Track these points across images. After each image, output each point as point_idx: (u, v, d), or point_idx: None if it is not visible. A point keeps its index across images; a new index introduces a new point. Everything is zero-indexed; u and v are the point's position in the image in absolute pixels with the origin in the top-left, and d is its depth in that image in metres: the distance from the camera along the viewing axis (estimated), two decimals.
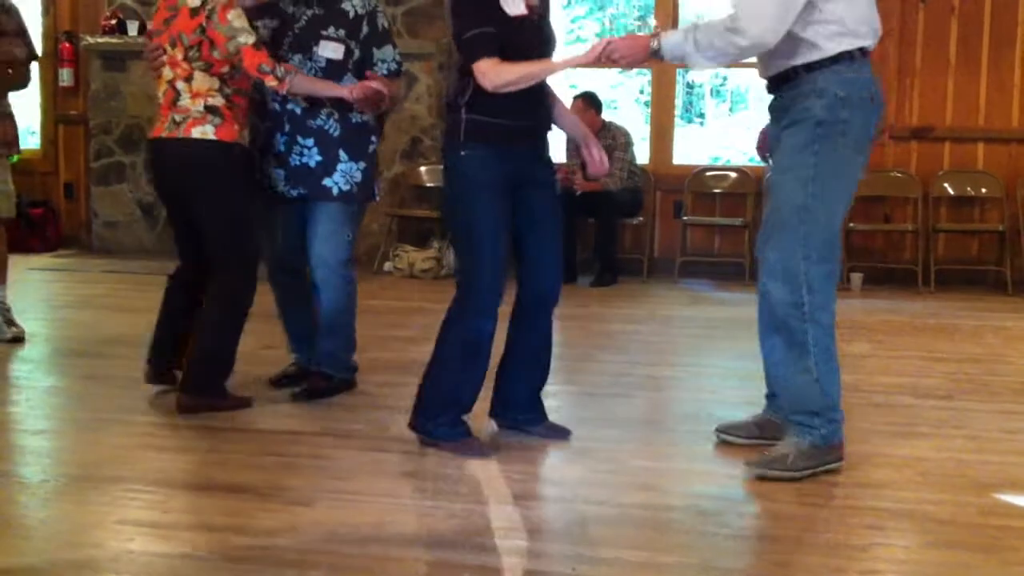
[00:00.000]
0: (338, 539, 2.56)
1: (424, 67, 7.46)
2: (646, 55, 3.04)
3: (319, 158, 3.78)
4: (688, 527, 2.73)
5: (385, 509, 2.78)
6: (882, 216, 7.49)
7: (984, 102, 7.25)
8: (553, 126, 3.34)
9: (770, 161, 3.29)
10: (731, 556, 2.56)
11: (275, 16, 3.82)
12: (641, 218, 7.49)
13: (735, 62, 3.10)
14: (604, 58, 3.02)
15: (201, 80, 3.63)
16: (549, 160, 3.35)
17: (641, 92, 14.50)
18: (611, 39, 3.07)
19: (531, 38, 3.15)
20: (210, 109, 3.62)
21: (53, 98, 8.70)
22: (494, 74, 3.03)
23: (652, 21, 3.66)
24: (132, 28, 8.18)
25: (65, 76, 8.57)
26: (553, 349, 3.47)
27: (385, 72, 3.82)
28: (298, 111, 3.77)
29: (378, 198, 4.08)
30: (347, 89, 3.66)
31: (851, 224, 7.29)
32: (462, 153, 3.14)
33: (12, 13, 4.87)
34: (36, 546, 2.52)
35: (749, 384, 3.24)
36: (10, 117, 4.89)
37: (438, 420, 3.26)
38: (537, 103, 3.22)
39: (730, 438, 3.39)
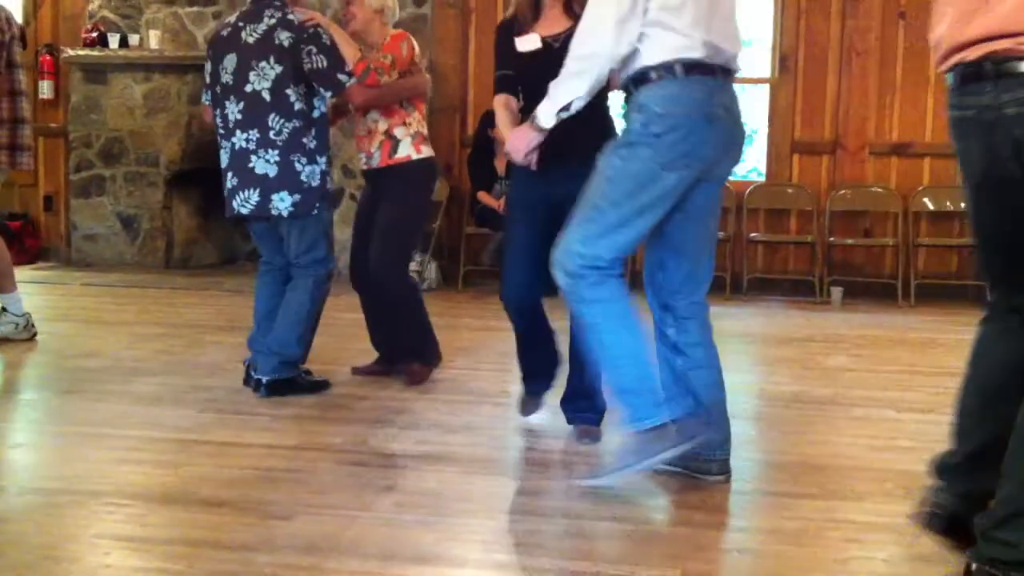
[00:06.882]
0: (316, 553, 2.54)
1: None
2: (536, 135, 3.09)
3: None
4: (669, 540, 2.72)
5: (364, 523, 2.76)
6: (862, 230, 7.53)
7: None
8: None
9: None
10: (711, 569, 2.56)
11: None
12: None
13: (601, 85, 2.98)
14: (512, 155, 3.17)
15: None
16: None
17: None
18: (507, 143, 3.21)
19: (542, 71, 3.16)
20: None
21: (33, 110, 8.67)
22: (496, 107, 3.53)
23: None
24: (113, 41, 8.16)
25: (45, 88, 8.55)
26: None
27: None
28: None
29: None
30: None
31: (831, 238, 7.33)
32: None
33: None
34: (12, 560, 2.49)
35: (731, 396, 3.25)
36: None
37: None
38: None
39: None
